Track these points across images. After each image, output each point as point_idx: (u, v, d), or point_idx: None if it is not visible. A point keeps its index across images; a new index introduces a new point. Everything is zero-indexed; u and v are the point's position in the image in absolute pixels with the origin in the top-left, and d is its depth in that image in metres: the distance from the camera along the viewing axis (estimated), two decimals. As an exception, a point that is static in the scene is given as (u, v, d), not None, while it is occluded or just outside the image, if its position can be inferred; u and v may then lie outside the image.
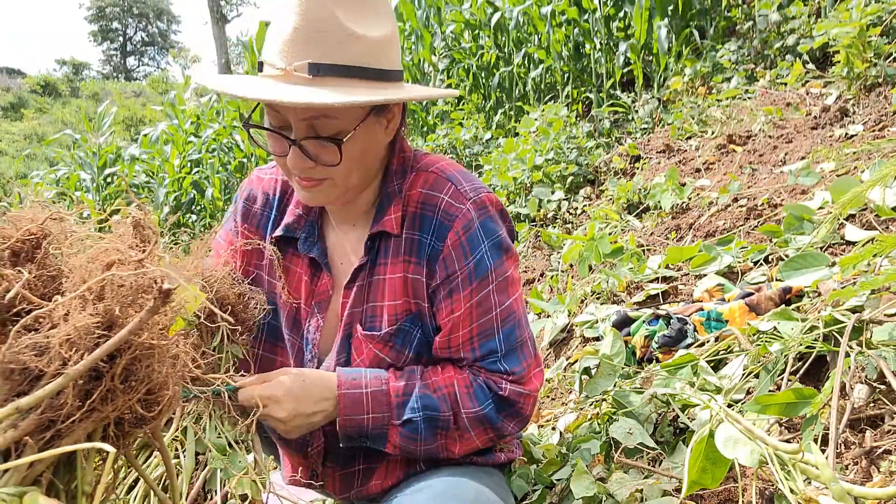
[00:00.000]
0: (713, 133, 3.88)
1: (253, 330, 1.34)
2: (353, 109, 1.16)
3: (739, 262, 2.11)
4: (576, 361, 1.94)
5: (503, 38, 6.49)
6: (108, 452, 0.63)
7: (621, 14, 5.55)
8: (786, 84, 4.11)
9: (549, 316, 2.41)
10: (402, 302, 1.28)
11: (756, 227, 2.38)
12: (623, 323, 1.93)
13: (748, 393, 1.45)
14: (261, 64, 1.18)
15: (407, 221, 1.27)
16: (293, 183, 1.25)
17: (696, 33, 5.23)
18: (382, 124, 1.24)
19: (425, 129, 6.96)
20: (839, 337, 1.32)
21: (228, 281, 1.23)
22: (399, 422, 1.24)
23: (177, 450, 1.05)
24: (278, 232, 1.36)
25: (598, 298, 2.37)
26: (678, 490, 1.24)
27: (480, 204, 1.27)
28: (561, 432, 1.66)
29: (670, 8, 5.32)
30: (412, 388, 1.25)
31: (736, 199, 2.68)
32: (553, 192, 3.99)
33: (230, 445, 1.09)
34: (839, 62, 3.50)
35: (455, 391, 1.25)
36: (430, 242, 1.26)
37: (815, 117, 3.43)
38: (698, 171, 3.44)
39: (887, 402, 1.21)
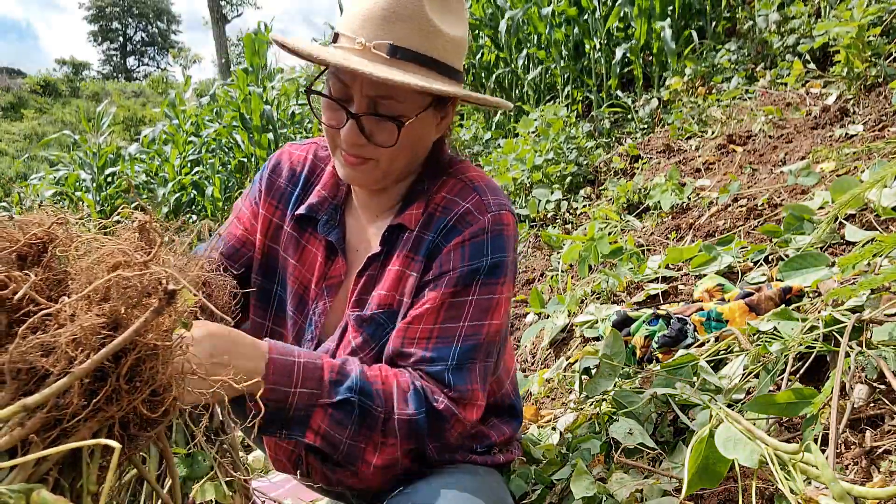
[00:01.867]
0: (713, 133, 3.89)
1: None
2: (418, 98, 1.19)
3: (739, 262, 2.12)
4: (576, 361, 1.95)
5: (503, 38, 6.49)
6: (112, 455, 0.64)
7: (621, 14, 5.55)
8: (786, 84, 4.11)
9: (548, 316, 2.41)
10: (388, 295, 1.27)
11: (756, 227, 2.38)
12: (623, 323, 1.93)
13: (748, 393, 1.45)
14: (336, 36, 1.20)
15: (424, 220, 1.27)
16: (336, 159, 1.26)
17: (694, 35, 5.23)
18: (437, 120, 1.27)
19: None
20: (839, 337, 1.33)
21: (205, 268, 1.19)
22: (331, 401, 1.12)
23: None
24: (301, 210, 1.36)
25: (598, 298, 2.37)
26: (678, 490, 1.25)
27: (499, 220, 1.25)
28: (561, 432, 1.66)
29: (670, 8, 5.33)
30: (350, 370, 1.16)
31: (736, 199, 2.69)
32: (553, 193, 4.00)
33: (190, 444, 0.99)
34: (839, 62, 3.51)
35: (392, 390, 1.17)
36: (434, 240, 1.25)
37: (815, 117, 3.43)
38: (698, 171, 3.44)
39: (887, 402, 1.22)
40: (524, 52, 6.24)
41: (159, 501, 0.78)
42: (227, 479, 0.97)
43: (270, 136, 8.31)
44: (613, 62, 5.59)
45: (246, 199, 1.45)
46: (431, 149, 1.33)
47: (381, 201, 1.34)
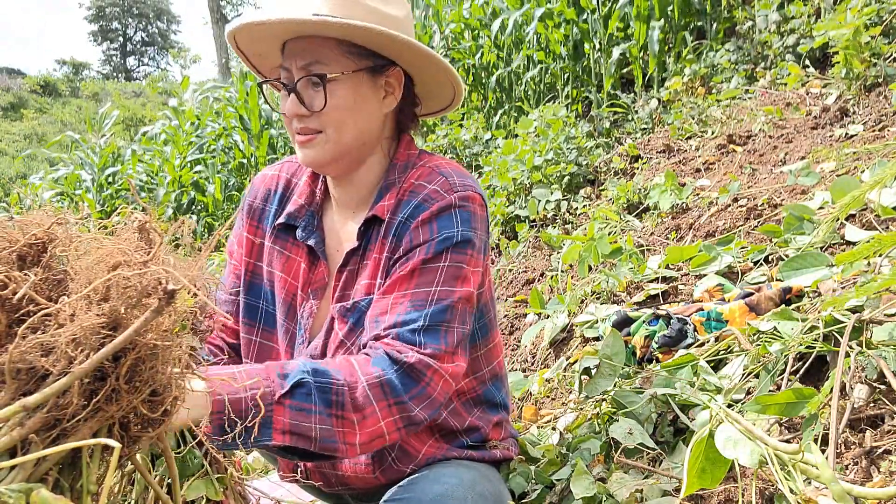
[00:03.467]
0: (713, 133, 3.88)
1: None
2: (342, 59, 1.27)
3: (739, 262, 2.12)
4: (576, 361, 1.95)
5: (502, 38, 6.49)
6: (111, 456, 0.64)
7: (620, 15, 5.55)
8: (786, 84, 4.11)
9: (548, 316, 2.41)
10: (370, 282, 1.30)
11: (756, 227, 2.38)
12: (623, 323, 1.93)
13: (748, 393, 1.45)
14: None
15: (393, 207, 1.31)
16: (296, 145, 1.31)
17: (688, 37, 5.23)
18: (378, 90, 1.31)
19: (425, 129, 6.96)
20: (839, 337, 1.33)
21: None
22: (285, 390, 1.07)
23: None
24: (280, 220, 1.40)
25: (598, 298, 2.37)
26: (678, 490, 1.25)
27: (465, 197, 1.28)
28: (561, 432, 1.66)
29: (669, 8, 5.33)
30: (295, 364, 1.13)
31: (736, 199, 2.69)
32: (552, 193, 4.00)
33: (182, 442, 0.97)
34: (838, 62, 3.51)
35: (351, 362, 1.15)
36: (402, 220, 1.28)
37: (815, 117, 3.43)
38: (698, 171, 3.44)
39: (887, 402, 1.22)
40: (521, 52, 6.24)
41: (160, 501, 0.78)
42: (218, 476, 0.97)
43: (273, 131, 8.31)
44: (613, 62, 5.59)
45: (233, 235, 1.50)
46: (400, 142, 1.39)
47: (353, 190, 1.37)
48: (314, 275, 1.37)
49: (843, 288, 1.61)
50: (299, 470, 1.39)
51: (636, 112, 5.13)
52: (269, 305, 1.42)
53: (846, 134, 3.04)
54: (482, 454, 1.37)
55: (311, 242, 1.36)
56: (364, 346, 1.23)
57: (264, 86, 1.39)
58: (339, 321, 1.31)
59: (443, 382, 1.19)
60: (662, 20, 5.28)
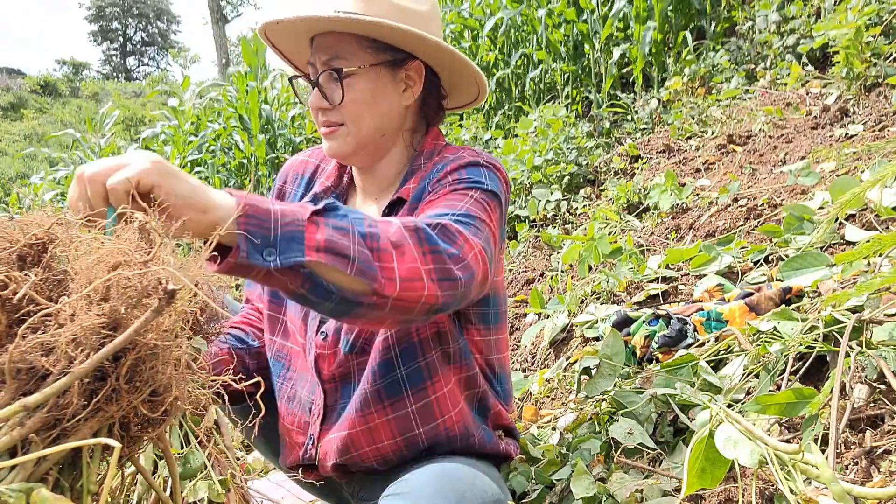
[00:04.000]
0: (713, 133, 3.88)
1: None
2: (361, 53, 1.31)
3: (739, 262, 2.12)
4: (576, 361, 1.95)
5: (502, 39, 6.49)
6: (112, 456, 0.64)
7: (620, 14, 5.55)
8: (786, 84, 4.11)
9: (548, 316, 2.41)
10: None
11: (756, 227, 2.38)
12: (623, 323, 1.93)
13: (748, 393, 1.45)
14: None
15: (418, 189, 1.33)
16: (322, 138, 1.36)
17: (689, 36, 5.23)
18: (398, 83, 1.35)
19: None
20: (839, 337, 1.33)
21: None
22: (318, 209, 0.99)
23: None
24: (306, 200, 1.43)
25: (598, 298, 2.37)
26: (678, 490, 1.25)
27: (495, 165, 1.32)
28: (561, 432, 1.66)
29: (669, 8, 5.33)
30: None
31: (736, 199, 2.69)
32: (552, 193, 4.00)
33: (184, 443, 0.97)
34: (839, 62, 3.51)
35: (385, 221, 1.09)
36: (428, 178, 1.31)
37: (815, 117, 3.43)
38: (698, 171, 3.44)
39: (887, 402, 1.22)
40: (519, 52, 6.24)
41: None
42: (221, 477, 0.97)
43: (275, 131, 8.30)
44: (612, 62, 5.59)
45: None
46: (427, 133, 1.43)
47: (375, 181, 1.42)
48: None
49: (843, 288, 1.61)
50: (308, 447, 1.39)
51: (636, 112, 5.13)
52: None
53: (846, 134, 3.04)
54: (485, 443, 1.38)
55: None
56: None
57: (294, 81, 1.45)
58: None
59: (473, 255, 1.13)
60: (658, 21, 5.28)
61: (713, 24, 5.30)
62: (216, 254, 0.94)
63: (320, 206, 1.00)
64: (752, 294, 1.79)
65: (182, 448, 0.95)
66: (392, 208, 1.35)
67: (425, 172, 1.35)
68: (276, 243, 0.93)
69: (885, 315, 1.37)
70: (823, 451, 1.05)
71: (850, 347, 1.28)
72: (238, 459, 1.86)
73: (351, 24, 1.27)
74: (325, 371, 1.36)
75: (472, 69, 1.38)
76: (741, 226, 2.45)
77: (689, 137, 4.07)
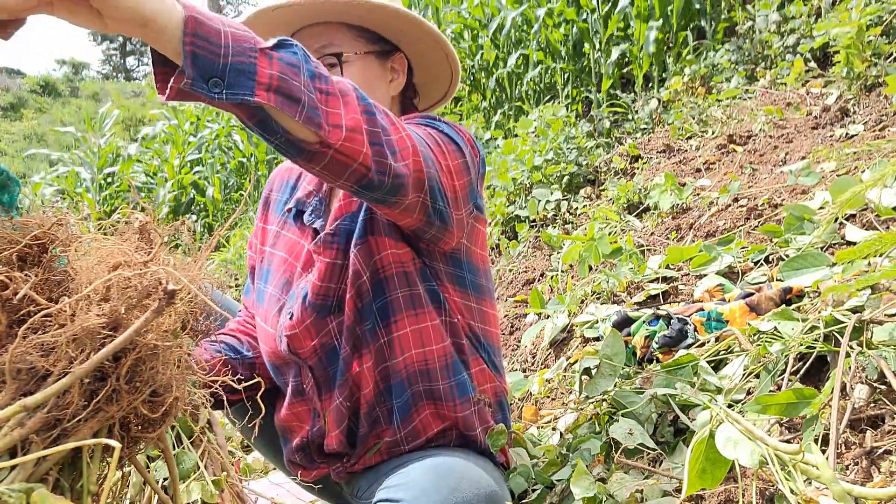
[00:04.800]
0: (713, 133, 3.88)
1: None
2: (353, 41, 1.35)
3: (740, 262, 2.12)
4: (576, 361, 1.95)
5: (503, 39, 6.49)
6: (112, 456, 0.64)
7: (620, 15, 5.55)
8: (786, 84, 4.11)
9: (549, 316, 2.41)
10: (344, 202, 1.35)
11: (756, 227, 2.38)
12: (623, 323, 1.93)
13: (748, 393, 1.45)
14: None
15: None
16: None
17: (689, 36, 5.23)
18: (386, 73, 1.40)
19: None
20: (839, 337, 1.33)
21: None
22: (270, 43, 0.93)
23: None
24: (290, 205, 1.46)
25: (598, 298, 2.37)
26: (678, 490, 1.25)
27: (461, 130, 1.33)
28: (561, 432, 1.66)
29: (669, 8, 5.32)
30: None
31: (736, 199, 2.69)
32: (552, 193, 4.00)
33: (176, 443, 0.97)
34: (839, 62, 3.50)
35: None
36: None
37: (816, 117, 3.43)
38: (698, 171, 3.44)
39: (888, 403, 1.22)
40: (519, 52, 6.24)
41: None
42: (214, 478, 0.96)
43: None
44: (613, 62, 5.59)
45: (254, 227, 1.59)
46: None
47: None
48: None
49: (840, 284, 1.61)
50: (315, 421, 1.40)
51: (636, 112, 5.13)
52: (260, 281, 1.48)
53: (846, 134, 3.04)
54: (468, 392, 1.39)
55: (316, 225, 1.40)
56: None
57: None
58: (324, 252, 1.32)
59: (405, 146, 1.11)
60: (661, 20, 5.28)
61: (713, 24, 5.29)
62: (159, 69, 0.87)
63: (273, 42, 0.93)
64: (752, 294, 1.79)
65: (174, 448, 0.94)
66: None
67: None
68: (225, 73, 0.85)
69: (885, 315, 1.37)
70: (824, 452, 1.05)
71: (851, 347, 1.28)
72: (234, 457, 1.87)
73: (351, 6, 1.29)
74: (302, 349, 1.36)
75: (452, 55, 1.42)
76: (741, 226, 2.45)
77: (690, 137, 4.07)
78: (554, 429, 1.71)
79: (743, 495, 1.14)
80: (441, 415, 1.37)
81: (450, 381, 1.37)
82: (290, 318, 1.37)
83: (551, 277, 2.93)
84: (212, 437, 1.03)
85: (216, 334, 1.51)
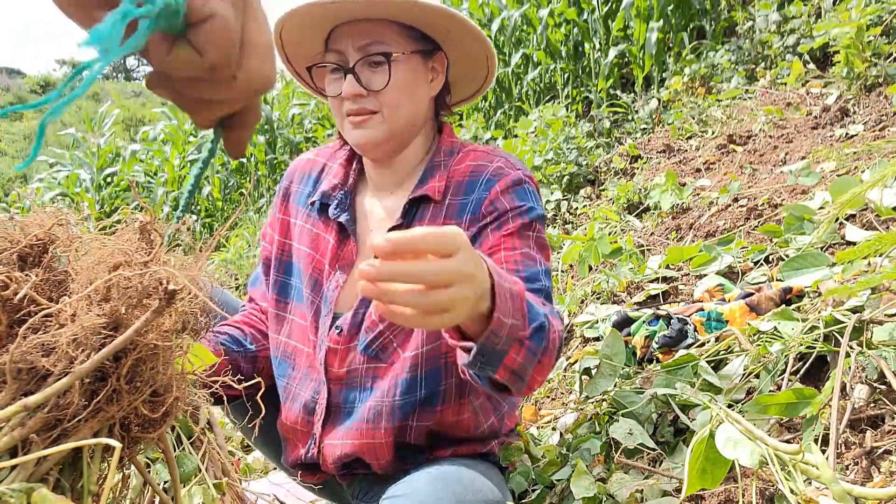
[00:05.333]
0: (713, 133, 3.88)
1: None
2: (402, 40, 1.31)
3: (740, 263, 2.12)
4: (576, 361, 1.95)
5: (502, 39, 6.48)
6: (112, 456, 0.64)
7: (621, 14, 5.55)
8: (786, 84, 4.11)
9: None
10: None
11: (756, 227, 2.38)
12: (623, 323, 1.93)
13: (748, 393, 1.45)
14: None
15: (451, 190, 1.34)
16: (345, 129, 1.34)
17: (688, 37, 5.22)
18: (427, 73, 1.36)
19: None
20: (839, 337, 1.33)
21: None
22: (528, 331, 1.03)
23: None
24: (314, 198, 1.44)
25: (598, 298, 2.37)
26: (678, 490, 1.25)
27: (529, 177, 1.34)
28: (561, 432, 1.66)
29: (669, 8, 5.32)
30: (524, 289, 1.06)
31: (736, 199, 2.69)
32: (552, 193, 3.99)
33: (178, 444, 0.96)
34: (839, 62, 3.50)
35: (548, 305, 1.17)
36: (474, 198, 1.31)
37: (816, 117, 3.43)
38: (698, 171, 3.44)
39: (887, 403, 1.22)
40: (520, 52, 6.24)
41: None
42: (216, 481, 0.96)
43: (274, 131, 8.30)
44: (613, 62, 5.58)
45: (268, 218, 1.56)
46: (443, 127, 1.44)
47: (392, 174, 1.40)
48: (343, 251, 1.40)
49: (841, 286, 1.61)
50: (310, 447, 1.40)
51: (636, 112, 5.13)
52: (298, 282, 1.46)
53: (846, 134, 3.04)
54: (488, 447, 1.40)
55: (342, 219, 1.39)
56: None
57: (312, 70, 1.39)
58: None
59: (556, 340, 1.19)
60: (661, 21, 5.28)
61: (713, 24, 5.29)
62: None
63: (530, 330, 1.02)
64: (752, 294, 1.79)
65: (174, 450, 0.94)
66: (414, 204, 1.35)
67: (457, 174, 1.35)
68: (488, 355, 0.99)
69: (885, 315, 1.37)
70: (824, 452, 1.05)
71: (851, 347, 1.28)
72: (234, 457, 1.87)
73: (413, 5, 1.25)
74: (334, 367, 1.36)
75: (492, 56, 1.39)
76: (741, 226, 2.45)
77: (690, 137, 4.07)
78: (554, 429, 1.71)
79: (743, 495, 1.14)
80: (456, 440, 1.38)
81: (473, 431, 1.38)
82: (339, 333, 1.35)
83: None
84: (212, 438, 1.02)
85: (220, 325, 1.50)
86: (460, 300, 0.85)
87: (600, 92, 5.72)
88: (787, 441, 1.24)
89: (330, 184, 1.44)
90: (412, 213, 1.34)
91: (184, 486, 0.90)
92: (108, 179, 9.20)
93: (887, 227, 1.92)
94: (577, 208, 3.85)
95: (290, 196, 1.52)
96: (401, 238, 0.81)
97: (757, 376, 1.45)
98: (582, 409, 1.70)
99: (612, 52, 5.49)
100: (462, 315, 0.88)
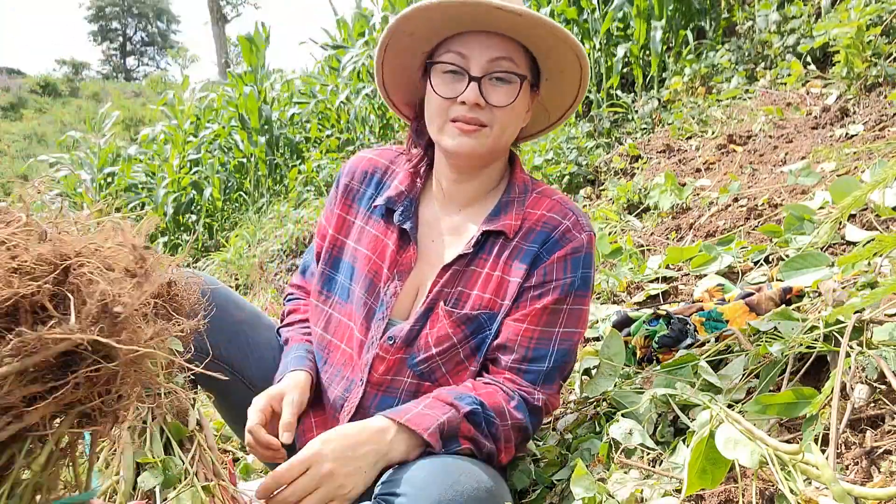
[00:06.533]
0: (713, 133, 3.88)
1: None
2: (525, 65, 1.36)
3: (740, 262, 2.12)
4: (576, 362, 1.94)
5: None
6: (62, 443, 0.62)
7: (620, 14, 5.54)
8: (786, 84, 4.11)
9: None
10: (489, 298, 1.38)
11: (756, 227, 2.38)
12: (623, 323, 1.93)
13: (748, 393, 1.45)
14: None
15: (522, 232, 1.40)
16: (445, 133, 1.36)
17: (690, 35, 5.22)
18: (529, 103, 1.41)
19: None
20: (839, 337, 1.32)
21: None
22: (463, 413, 1.25)
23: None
24: (380, 201, 1.47)
25: (598, 298, 2.37)
26: (678, 490, 1.25)
27: (591, 240, 1.40)
28: (561, 432, 1.66)
29: (670, 8, 5.32)
30: (465, 391, 1.30)
31: (736, 199, 2.69)
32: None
33: (166, 450, 0.95)
34: (839, 62, 3.50)
35: (500, 402, 1.31)
36: (537, 252, 1.37)
37: (816, 117, 3.43)
38: (698, 171, 3.44)
39: (887, 402, 1.22)
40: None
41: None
42: (204, 483, 0.94)
43: (274, 131, 8.29)
44: (613, 62, 5.58)
45: (324, 211, 1.58)
46: (514, 161, 1.49)
47: (468, 190, 1.45)
48: (402, 257, 1.43)
49: (843, 288, 1.61)
50: None
51: (636, 112, 5.13)
52: (346, 280, 1.48)
53: (846, 134, 3.04)
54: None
55: (406, 226, 1.43)
56: (489, 365, 1.39)
57: (433, 68, 1.38)
58: (452, 324, 1.38)
59: (547, 415, 1.43)
60: (664, 20, 5.27)
61: (713, 24, 5.29)
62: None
63: (464, 413, 1.25)
64: (752, 294, 1.79)
65: (166, 454, 0.92)
66: (485, 236, 1.40)
67: (530, 217, 1.41)
68: (445, 436, 1.24)
69: (885, 315, 1.37)
70: (824, 452, 1.04)
71: (851, 347, 1.27)
72: (228, 454, 1.86)
73: (559, 31, 1.30)
74: (377, 373, 1.39)
75: (585, 82, 1.42)
76: (741, 226, 2.45)
77: (690, 137, 4.07)
78: (554, 429, 1.71)
79: (743, 495, 1.14)
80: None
81: None
82: (392, 343, 1.39)
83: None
84: (202, 439, 1.01)
85: (299, 338, 1.54)
86: (336, 488, 1.13)
87: (601, 92, 5.72)
88: (787, 441, 1.24)
89: (396, 189, 1.46)
90: (482, 243, 1.40)
91: (172, 490, 0.89)
92: (108, 180, 9.19)
93: (887, 227, 1.92)
94: (576, 208, 3.85)
95: (350, 193, 1.53)
96: (269, 484, 1.10)
97: (757, 376, 1.44)
98: (582, 410, 1.70)
99: (618, 52, 5.48)
100: (357, 487, 1.15)
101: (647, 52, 5.50)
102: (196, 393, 1.12)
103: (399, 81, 1.47)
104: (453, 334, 1.37)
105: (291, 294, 1.68)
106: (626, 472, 1.37)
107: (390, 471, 1.19)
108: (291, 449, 1.52)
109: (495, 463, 1.31)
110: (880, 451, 1.13)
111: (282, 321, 1.65)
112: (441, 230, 1.46)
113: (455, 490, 1.11)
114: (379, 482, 1.18)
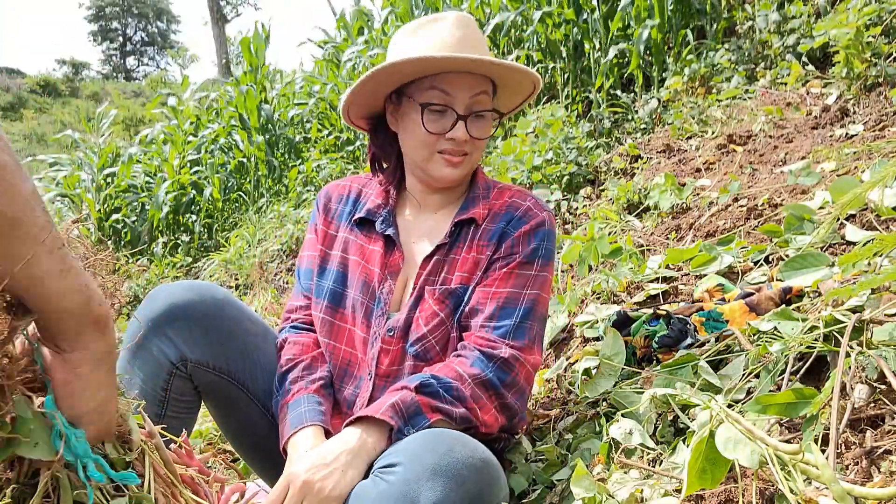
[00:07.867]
0: (713, 133, 3.88)
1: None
2: (491, 91, 1.56)
3: (740, 262, 2.12)
4: (576, 361, 1.94)
5: (504, 39, 6.48)
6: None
7: (621, 15, 5.54)
8: (786, 84, 4.11)
9: (549, 316, 2.41)
10: (466, 276, 1.53)
11: (756, 227, 2.38)
12: (623, 323, 1.93)
13: (748, 393, 1.45)
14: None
15: (489, 217, 1.57)
16: (433, 164, 1.54)
17: (690, 35, 5.22)
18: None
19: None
20: (839, 337, 1.32)
21: None
22: (413, 387, 1.33)
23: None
24: (360, 214, 1.64)
25: (598, 298, 2.37)
26: (678, 490, 1.25)
27: (552, 218, 1.59)
28: (561, 432, 1.66)
29: (670, 8, 5.32)
30: (418, 374, 1.40)
31: (736, 199, 2.69)
32: (552, 193, 3.99)
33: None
34: (839, 62, 3.50)
35: (455, 368, 1.39)
36: (504, 228, 1.54)
37: (816, 117, 3.43)
38: (698, 171, 3.44)
39: (888, 402, 1.22)
40: (514, 53, 6.23)
41: None
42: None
43: (274, 131, 8.28)
44: (613, 62, 5.58)
45: (308, 233, 1.74)
46: (477, 167, 1.67)
47: (443, 199, 1.64)
48: (390, 259, 1.58)
49: (843, 286, 1.61)
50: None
51: (636, 112, 5.13)
52: (336, 285, 1.62)
53: (846, 134, 3.04)
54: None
55: (389, 233, 1.59)
56: (462, 333, 1.49)
57: (427, 109, 1.54)
58: (436, 302, 1.51)
59: (525, 372, 1.45)
60: (658, 20, 5.27)
61: (713, 24, 5.29)
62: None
63: (414, 385, 1.34)
64: (752, 294, 1.79)
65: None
66: (459, 226, 1.57)
67: (497, 205, 1.59)
68: (406, 416, 1.31)
69: (885, 315, 1.37)
70: (824, 452, 1.04)
71: (851, 347, 1.27)
72: (226, 456, 1.84)
73: (529, 75, 1.54)
74: (383, 365, 1.50)
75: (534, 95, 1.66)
76: (741, 226, 2.45)
77: (690, 137, 4.07)
78: (554, 429, 1.71)
79: (743, 495, 1.13)
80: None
81: (491, 433, 1.50)
82: (392, 335, 1.51)
83: (551, 277, 2.92)
84: (156, 459, 0.91)
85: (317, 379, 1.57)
86: (316, 492, 1.19)
87: (601, 92, 5.72)
88: (787, 441, 1.24)
89: (373, 203, 1.64)
90: (457, 232, 1.57)
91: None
92: (108, 180, 9.19)
93: (887, 227, 1.92)
94: (576, 208, 3.85)
95: (329, 212, 1.70)
96: None
97: (757, 376, 1.44)
98: (582, 410, 1.70)
99: (615, 52, 5.48)
100: (338, 485, 1.21)
101: (647, 52, 5.50)
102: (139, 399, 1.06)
103: (361, 102, 1.60)
104: (439, 310, 1.50)
105: (295, 323, 1.69)
106: (626, 472, 1.37)
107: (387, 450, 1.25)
108: (271, 461, 1.61)
109: (479, 427, 1.38)
110: (880, 451, 1.13)
111: (280, 349, 1.64)
112: (420, 231, 1.62)
113: (451, 457, 1.15)
114: (376, 460, 1.24)
